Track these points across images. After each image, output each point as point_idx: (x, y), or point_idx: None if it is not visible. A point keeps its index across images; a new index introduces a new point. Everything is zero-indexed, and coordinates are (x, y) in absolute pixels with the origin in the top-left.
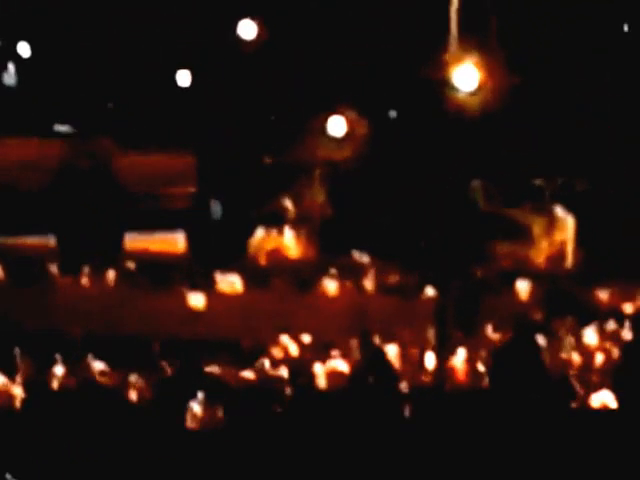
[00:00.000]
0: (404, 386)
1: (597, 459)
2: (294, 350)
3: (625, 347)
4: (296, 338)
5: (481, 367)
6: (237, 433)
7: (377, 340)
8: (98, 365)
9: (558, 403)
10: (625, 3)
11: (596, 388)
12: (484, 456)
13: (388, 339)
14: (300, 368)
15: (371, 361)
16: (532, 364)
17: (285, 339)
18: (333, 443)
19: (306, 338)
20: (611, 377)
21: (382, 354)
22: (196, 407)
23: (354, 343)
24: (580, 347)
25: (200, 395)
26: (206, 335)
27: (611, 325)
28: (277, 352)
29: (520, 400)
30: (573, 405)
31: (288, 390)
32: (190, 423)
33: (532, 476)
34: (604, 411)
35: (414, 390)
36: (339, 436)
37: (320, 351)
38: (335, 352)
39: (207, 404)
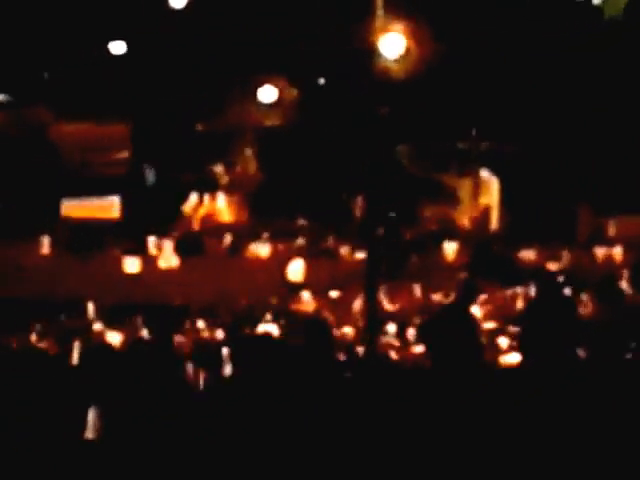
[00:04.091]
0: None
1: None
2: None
3: (529, 306)
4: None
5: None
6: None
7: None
8: (37, 329)
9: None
10: None
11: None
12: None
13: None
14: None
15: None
16: (468, 329)
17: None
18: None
19: None
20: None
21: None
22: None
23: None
24: (506, 307)
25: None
26: (142, 299)
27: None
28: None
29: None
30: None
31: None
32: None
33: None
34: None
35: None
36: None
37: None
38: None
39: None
